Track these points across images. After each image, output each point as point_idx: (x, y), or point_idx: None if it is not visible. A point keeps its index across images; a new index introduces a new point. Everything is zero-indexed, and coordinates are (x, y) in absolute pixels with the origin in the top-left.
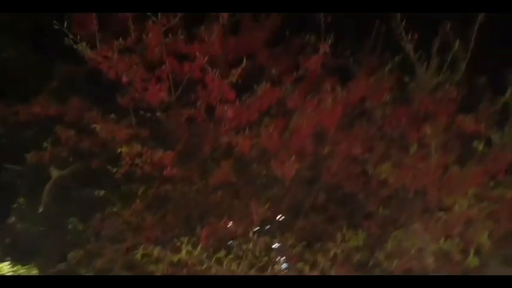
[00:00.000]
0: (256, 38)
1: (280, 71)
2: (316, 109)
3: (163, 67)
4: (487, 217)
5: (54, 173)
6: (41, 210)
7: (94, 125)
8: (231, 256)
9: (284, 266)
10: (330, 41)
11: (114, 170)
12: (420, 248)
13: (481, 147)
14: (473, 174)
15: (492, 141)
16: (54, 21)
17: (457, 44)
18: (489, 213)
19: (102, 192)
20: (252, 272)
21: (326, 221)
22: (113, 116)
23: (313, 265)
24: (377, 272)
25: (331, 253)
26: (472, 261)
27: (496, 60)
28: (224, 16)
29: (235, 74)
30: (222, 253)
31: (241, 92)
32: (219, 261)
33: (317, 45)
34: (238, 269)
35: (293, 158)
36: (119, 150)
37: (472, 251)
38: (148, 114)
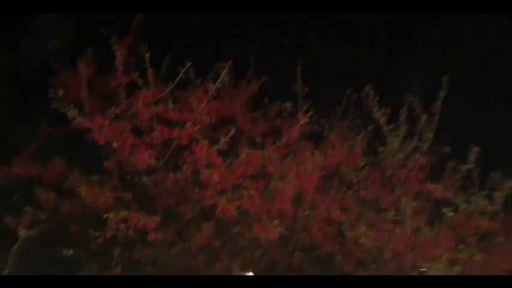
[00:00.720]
0: (237, 103)
1: (259, 134)
2: (296, 173)
3: (152, 134)
4: None
5: (22, 233)
6: (7, 271)
7: (78, 189)
8: None
9: None
10: (310, 113)
11: (97, 234)
12: None
13: (451, 214)
14: (445, 238)
15: (459, 207)
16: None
17: (424, 117)
18: None
19: (70, 252)
20: None
21: None
22: (95, 177)
23: None
24: None
25: None
26: None
27: (459, 131)
28: (211, 88)
29: (223, 142)
30: None
31: (222, 153)
32: None
33: (294, 111)
34: None
35: (276, 221)
36: (105, 216)
37: None
38: (135, 178)
